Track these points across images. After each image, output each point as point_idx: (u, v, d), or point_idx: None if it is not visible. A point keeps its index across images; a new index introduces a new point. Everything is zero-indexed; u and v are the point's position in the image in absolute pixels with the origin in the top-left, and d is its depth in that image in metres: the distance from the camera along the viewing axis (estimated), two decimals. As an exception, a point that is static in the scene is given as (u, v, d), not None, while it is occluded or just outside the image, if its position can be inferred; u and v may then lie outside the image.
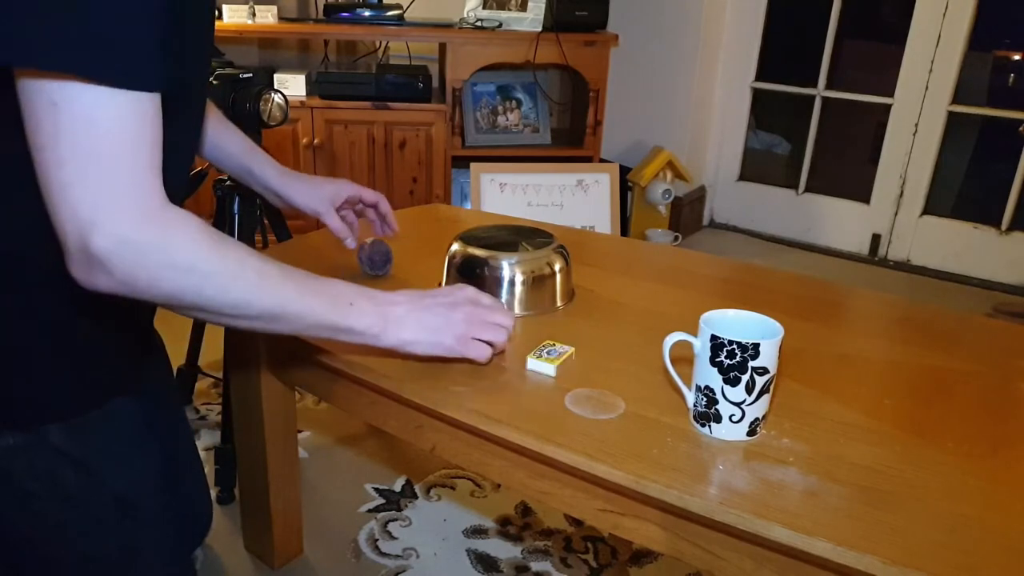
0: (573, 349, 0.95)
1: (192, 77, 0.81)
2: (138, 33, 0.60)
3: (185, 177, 0.92)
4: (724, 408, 0.76)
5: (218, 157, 1.07)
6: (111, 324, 0.85)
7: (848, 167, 3.07)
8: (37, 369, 0.79)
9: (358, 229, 1.17)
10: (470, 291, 0.89)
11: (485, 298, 0.90)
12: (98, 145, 0.59)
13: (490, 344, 0.88)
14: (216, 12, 0.94)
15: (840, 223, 2.97)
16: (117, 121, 0.60)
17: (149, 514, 0.92)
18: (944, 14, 2.59)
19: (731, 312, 0.81)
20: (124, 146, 0.61)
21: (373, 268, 1.15)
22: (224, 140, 1.07)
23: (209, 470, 1.48)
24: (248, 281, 0.69)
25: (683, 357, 0.82)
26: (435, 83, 2.68)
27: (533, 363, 0.91)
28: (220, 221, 1.54)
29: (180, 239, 0.64)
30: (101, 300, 0.74)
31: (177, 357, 1.74)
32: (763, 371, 0.74)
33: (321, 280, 0.77)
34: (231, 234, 1.39)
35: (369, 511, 1.44)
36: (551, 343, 0.96)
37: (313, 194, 1.08)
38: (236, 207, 1.44)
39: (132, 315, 0.89)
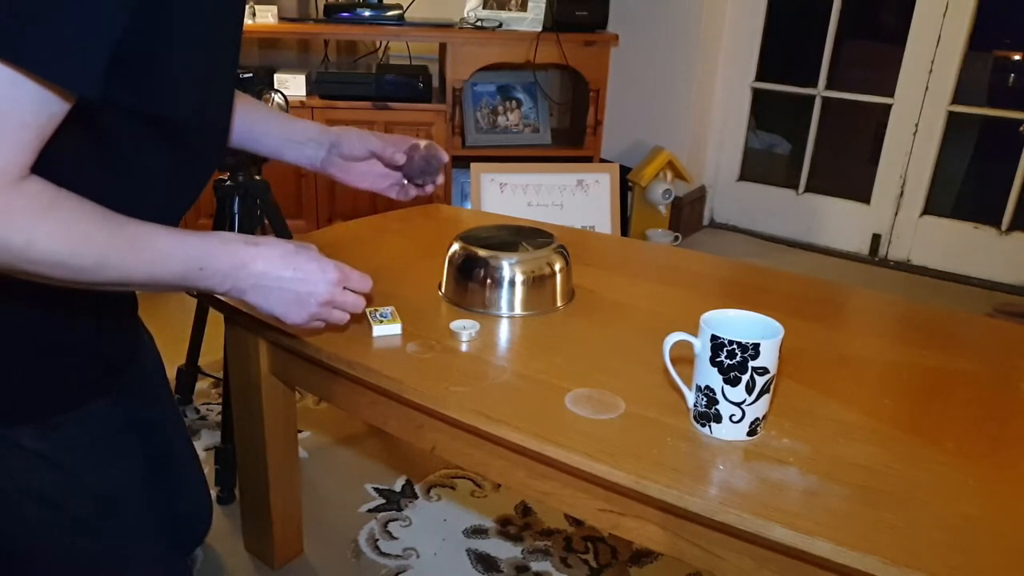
0: (393, 307, 1.02)
1: (192, 114, 0.81)
2: (73, 33, 0.61)
3: (178, 206, 0.91)
4: (724, 408, 0.76)
5: (253, 135, 1.07)
6: (87, 327, 0.85)
7: (848, 167, 3.06)
8: (10, 372, 0.78)
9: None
10: (331, 279, 0.84)
11: (352, 278, 0.87)
12: None
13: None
14: (237, 72, 0.96)
15: (840, 223, 2.97)
16: (9, 100, 0.61)
17: (134, 514, 0.91)
18: (944, 14, 2.59)
19: (731, 312, 0.81)
20: (5, 123, 0.62)
21: (423, 174, 1.08)
22: (259, 118, 1.07)
23: (209, 470, 1.48)
24: (90, 256, 0.68)
25: (683, 357, 0.82)
26: (435, 83, 2.68)
27: (379, 330, 0.97)
28: (220, 220, 1.54)
29: (18, 211, 0.63)
30: (75, 304, 0.74)
31: (177, 357, 1.74)
32: (763, 371, 0.74)
33: (176, 241, 0.74)
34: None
35: (369, 511, 1.44)
36: (373, 308, 1.01)
37: (364, 136, 1.08)
38: (236, 207, 1.44)
39: (109, 318, 0.89)
